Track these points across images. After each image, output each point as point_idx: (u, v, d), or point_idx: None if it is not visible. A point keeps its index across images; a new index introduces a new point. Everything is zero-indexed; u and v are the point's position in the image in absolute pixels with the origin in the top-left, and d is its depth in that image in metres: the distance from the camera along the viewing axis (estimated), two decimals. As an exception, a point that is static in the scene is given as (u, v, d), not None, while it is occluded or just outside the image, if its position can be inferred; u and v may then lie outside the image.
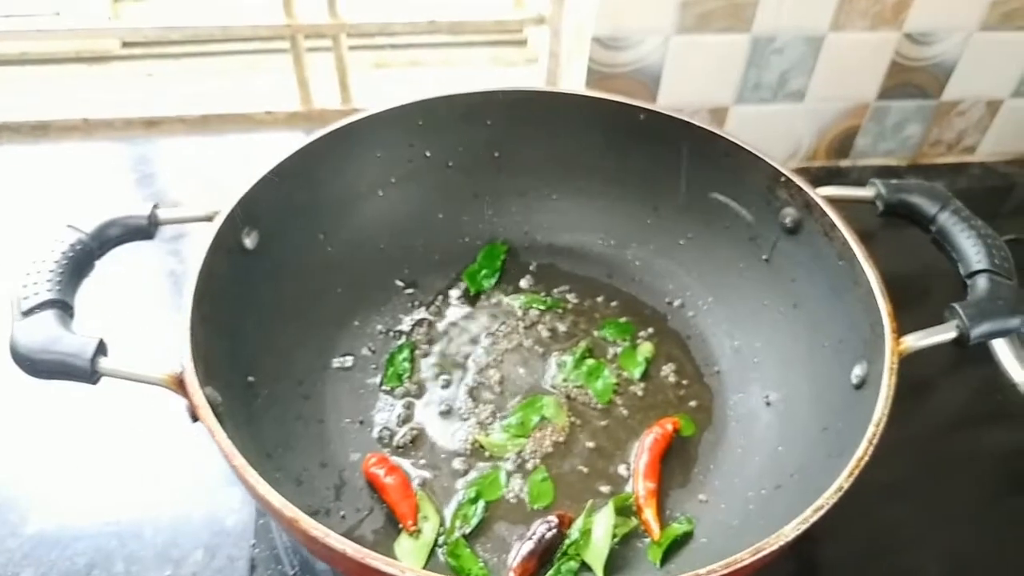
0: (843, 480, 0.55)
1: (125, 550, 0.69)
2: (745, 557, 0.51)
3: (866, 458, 0.56)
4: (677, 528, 0.68)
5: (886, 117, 1.08)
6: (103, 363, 0.55)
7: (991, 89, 1.07)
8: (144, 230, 0.64)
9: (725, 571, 0.50)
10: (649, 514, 0.69)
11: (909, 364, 0.62)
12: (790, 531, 0.52)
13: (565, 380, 0.79)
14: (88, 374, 0.55)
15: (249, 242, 0.70)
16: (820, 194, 0.72)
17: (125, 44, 1.21)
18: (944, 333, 0.63)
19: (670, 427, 0.74)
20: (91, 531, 0.70)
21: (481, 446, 0.74)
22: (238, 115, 1.12)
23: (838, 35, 0.97)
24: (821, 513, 0.53)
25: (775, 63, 0.99)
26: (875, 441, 0.57)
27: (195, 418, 0.55)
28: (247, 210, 0.68)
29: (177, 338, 0.57)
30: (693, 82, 1.00)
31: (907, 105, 1.07)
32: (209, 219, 0.66)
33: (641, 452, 0.73)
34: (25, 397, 0.78)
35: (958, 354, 0.65)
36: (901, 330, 0.63)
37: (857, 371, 0.66)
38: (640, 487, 0.70)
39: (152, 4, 1.23)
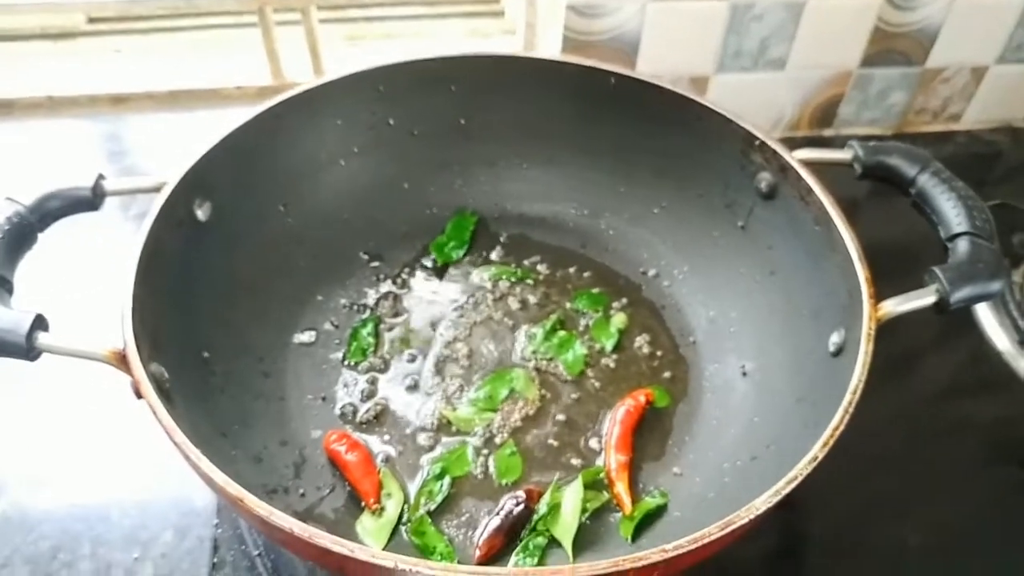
0: (818, 450, 0.53)
1: (92, 533, 0.68)
2: (714, 531, 0.49)
3: (842, 427, 0.54)
4: (650, 502, 0.67)
5: (870, 85, 1.06)
6: (41, 339, 0.53)
7: (976, 55, 1.05)
8: (88, 202, 0.62)
9: (693, 546, 0.48)
10: (621, 488, 0.67)
11: (893, 335, 0.60)
12: (761, 504, 0.50)
13: (535, 352, 0.77)
14: (24, 350, 0.53)
15: (201, 214, 0.68)
16: (796, 157, 0.70)
17: (91, 20, 1.19)
18: (923, 298, 0.61)
19: (643, 399, 0.72)
20: (57, 514, 0.69)
21: (448, 421, 0.72)
22: (208, 90, 1.10)
23: (819, 0, 0.94)
24: (794, 484, 0.51)
25: (755, 30, 0.96)
26: (851, 410, 0.55)
27: (139, 395, 0.53)
28: (198, 181, 0.66)
29: (119, 313, 0.55)
30: (672, 51, 0.97)
31: (891, 72, 1.05)
32: (158, 190, 0.64)
33: (613, 425, 0.71)
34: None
35: (943, 324, 0.63)
36: (880, 296, 0.61)
37: (835, 338, 0.64)
38: (612, 460, 0.69)
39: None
